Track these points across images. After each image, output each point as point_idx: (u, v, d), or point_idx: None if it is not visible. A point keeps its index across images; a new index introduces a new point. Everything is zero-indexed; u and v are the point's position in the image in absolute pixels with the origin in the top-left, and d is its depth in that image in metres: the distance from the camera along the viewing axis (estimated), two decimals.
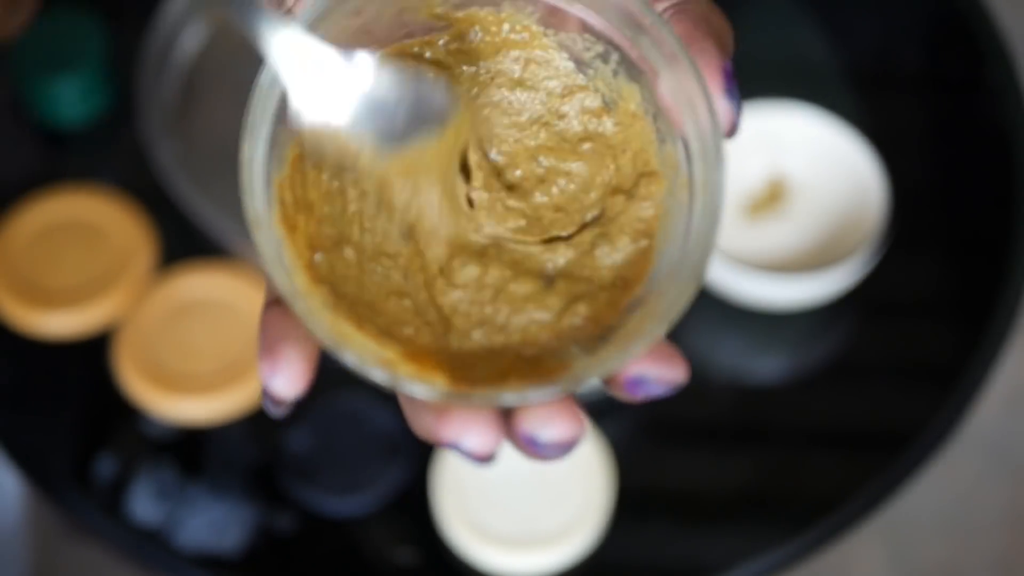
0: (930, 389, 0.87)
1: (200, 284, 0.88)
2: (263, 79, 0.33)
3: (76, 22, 0.93)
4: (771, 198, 0.90)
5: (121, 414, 0.85)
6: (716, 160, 0.32)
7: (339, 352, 0.31)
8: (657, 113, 0.34)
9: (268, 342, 0.32)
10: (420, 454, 0.83)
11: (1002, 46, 0.96)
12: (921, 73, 1.01)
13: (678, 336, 0.98)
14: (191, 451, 0.85)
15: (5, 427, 0.85)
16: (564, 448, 0.31)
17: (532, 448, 0.31)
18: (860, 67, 0.99)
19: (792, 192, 0.91)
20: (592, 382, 0.31)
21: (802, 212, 0.90)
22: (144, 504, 0.83)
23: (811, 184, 0.91)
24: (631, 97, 0.35)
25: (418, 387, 0.31)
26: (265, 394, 0.32)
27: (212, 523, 0.82)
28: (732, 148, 0.90)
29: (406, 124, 0.33)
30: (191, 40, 0.95)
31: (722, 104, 0.33)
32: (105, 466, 0.84)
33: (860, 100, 0.97)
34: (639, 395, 0.32)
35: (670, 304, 0.31)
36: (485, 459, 0.32)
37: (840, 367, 0.88)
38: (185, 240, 0.89)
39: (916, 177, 0.93)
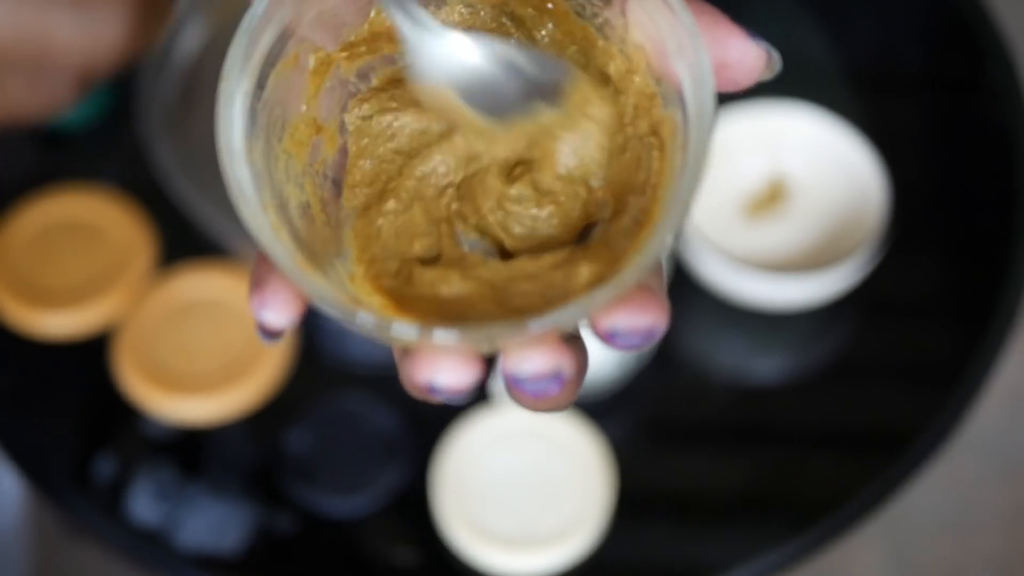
0: (930, 389, 0.87)
1: (200, 284, 0.88)
2: (254, 16, 0.33)
3: None
4: (771, 198, 0.90)
5: (121, 414, 0.85)
6: (708, 126, 0.32)
7: (303, 282, 0.31)
8: (660, 78, 0.34)
9: (256, 276, 0.33)
10: (420, 454, 0.83)
11: (1002, 46, 0.96)
12: (921, 73, 1.01)
13: (678, 336, 0.98)
14: (191, 451, 0.85)
15: (5, 427, 0.85)
16: (546, 381, 0.32)
17: (517, 387, 0.32)
18: (860, 67, 0.99)
19: (792, 192, 0.91)
20: (565, 326, 0.31)
21: (802, 212, 0.90)
22: (144, 504, 0.83)
23: (811, 184, 0.91)
24: (639, 62, 0.35)
25: (400, 328, 0.31)
26: (258, 327, 0.33)
27: (212, 523, 0.82)
28: (732, 148, 0.90)
29: (513, 99, 0.34)
30: (191, 40, 0.95)
31: (751, 47, 0.33)
32: (105, 466, 0.84)
33: (860, 100, 0.97)
34: (620, 347, 0.32)
35: (644, 258, 0.31)
36: (461, 394, 0.32)
37: (840, 367, 0.88)
38: (185, 240, 0.89)
39: (916, 177, 0.93)
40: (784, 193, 0.91)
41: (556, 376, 0.32)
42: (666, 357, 0.87)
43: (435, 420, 0.84)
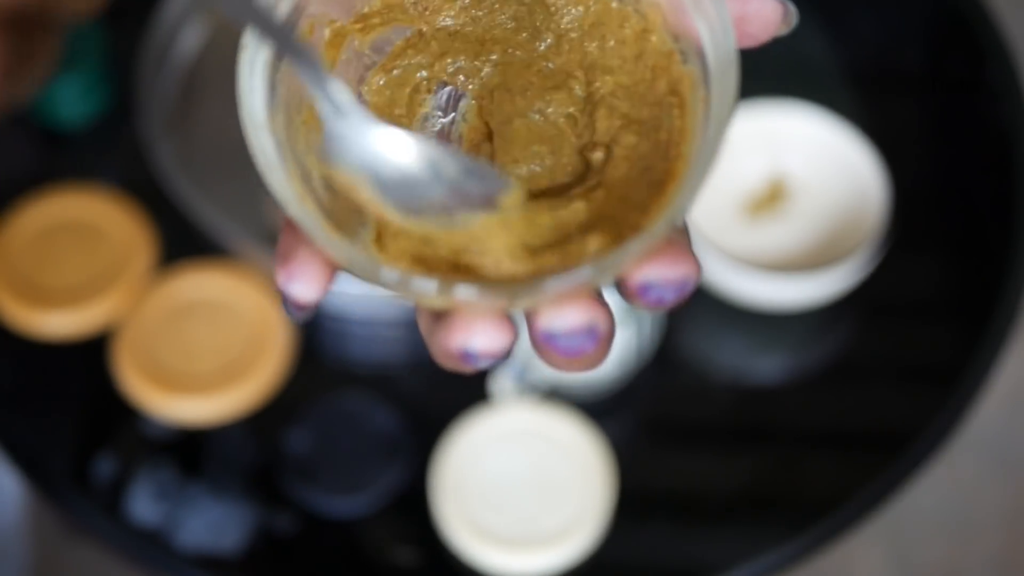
0: (930, 389, 0.87)
1: (200, 284, 0.88)
2: None
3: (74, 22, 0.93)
4: (771, 198, 0.90)
5: (121, 414, 0.85)
6: (732, 77, 0.31)
7: (332, 248, 0.31)
8: (677, 35, 0.34)
9: (282, 250, 0.32)
10: (420, 454, 0.83)
11: (1002, 46, 0.96)
12: (921, 73, 1.01)
13: (678, 336, 0.98)
14: (191, 451, 0.85)
15: (5, 427, 0.85)
16: (582, 336, 0.31)
17: (551, 345, 0.31)
18: (860, 67, 0.99)
19: (792, 192, 0.91)
20: (597, 281, 0.31)
21: (802, 212, 0.90)
22: (144, 504, 0.83)
23: (811, 184, 0.91)
24: (655, 20, 0.35)
25: (421, 282, 0.31)
26: (285, 301, 0.33)
27: (212, 523, 0.82)
28: (732, 148, 0.90)
29: (448, 202, 0.33)
30: (191, 40, 0.95)
31: (768, 0, 0.33)
32: (105, 466, 0.84)
33: (860, 100, 0.97)
34: (652, 302, 0.32)
35: (672, 211, 0.31)
36: (496, 358, 0.32)
37: (840, 367, 0.88)
38: (185, 240, 0.89)
39: (916, 177, 0.93)
40: (784, 193, 0.91)
41: (591, 331, 0.31)
42: (666, 357, 0.87)
43: (435, 420, 0.84)
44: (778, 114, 0.90)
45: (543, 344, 0.32)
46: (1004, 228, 0.91)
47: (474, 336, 0.31)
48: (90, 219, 0.90)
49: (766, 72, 0.94)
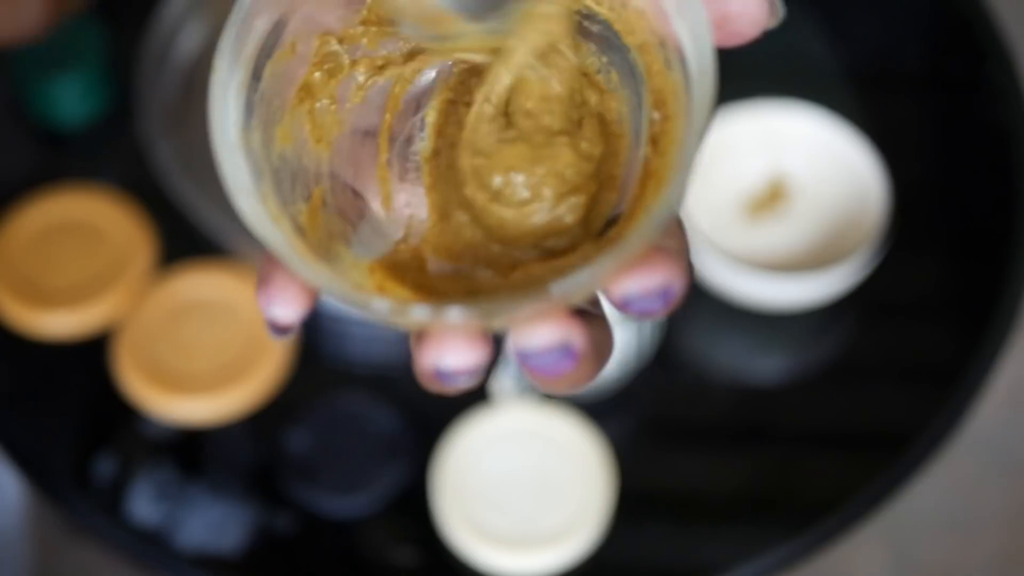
0: (930, 389, 0.87)
1: (200, 284, 0.88)
2: (243, 6, 0.33)
3: (75, 22, 0.93)
4: (771, 198, 0.90)
5: (121, 414, 0.85)
6: (710, 85, 0.31)
7: (305, 271, 0.31)
8: (663, 42, 0.34)
9: (262, 271, 0.32)
10: (420, 454, 0.83)
11: (1002, 46, 0.96)
12: (921, 73, 1.01)
13: (678, 336, 0.98)
14: (191, 451, 0.85)
15: (5, 427, 0.85)
16: (555, 354, 0.31)
17: (526, 364, 0.31)
18: (860, 67, 0.99)
19: (792, 192, 0.91)
20: (567, 300, 0.30)
21: (802, 212, 0.90)
22: (144, 504, 0.83)
23: (811, 184, 0.91)
24: (641, 27, 0.34)
25: (380, 303, 0.30)
26: (267, 324, 0.32)
27: (212, 523, 0.82)
28: (732, 148, 0.90)
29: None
30: (191, 40, 0.95)
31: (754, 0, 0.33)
32: (105, 466, 0.84)
33: (860, 100, 0.97)
34: (640, 314, 0.31)
35: (649, 221, 0.30)
36: (469, 375, 0.31)
37: (840, 367, 0.88)
38: (185, 240, 0.89)
39: (916, 177, 0.93)
40: (784, 193, 0.91)
41: (565, 349, 0.31)
42: (666, 357, 0.87)
43: (435, 420, 0.84)
44: (778, 114, 0.90)
45: (521, 363, 0.31)
46: (1004, 228, 0.91)
47: (446, 354, 0.30)
48: (90, 219, 0.90)
49: (766, 72, 0.94)
